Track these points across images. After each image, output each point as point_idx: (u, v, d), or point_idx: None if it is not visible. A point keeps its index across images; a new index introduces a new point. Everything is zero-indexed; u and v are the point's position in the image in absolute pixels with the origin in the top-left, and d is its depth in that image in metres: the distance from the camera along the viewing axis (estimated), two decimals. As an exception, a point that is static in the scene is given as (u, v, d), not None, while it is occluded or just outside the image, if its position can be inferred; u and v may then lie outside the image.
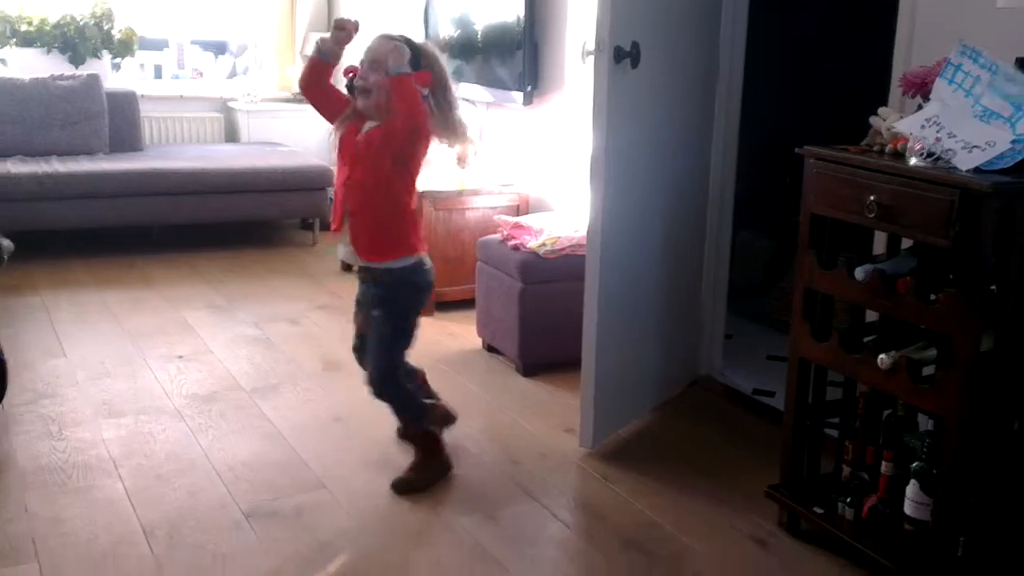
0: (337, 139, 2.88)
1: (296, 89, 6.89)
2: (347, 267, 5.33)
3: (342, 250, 3.03)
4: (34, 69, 6.05)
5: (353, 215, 2.84)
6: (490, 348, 4.18)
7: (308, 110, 7.07)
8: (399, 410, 2.99)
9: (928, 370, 2.30)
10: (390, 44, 2.76)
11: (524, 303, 3.86)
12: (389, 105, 2.72)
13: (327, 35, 2.85)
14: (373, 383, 2.91)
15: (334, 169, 6.04)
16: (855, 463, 2.56)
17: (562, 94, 4.51)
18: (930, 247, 2.31)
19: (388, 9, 5.99)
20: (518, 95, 4.65)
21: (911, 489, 2.35)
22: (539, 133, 4.72)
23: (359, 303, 3.02)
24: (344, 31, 2.83)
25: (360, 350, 3.05)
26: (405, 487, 2.91)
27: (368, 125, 2.82)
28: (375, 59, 2.77)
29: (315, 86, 2.92)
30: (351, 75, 2.83)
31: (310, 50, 6.90)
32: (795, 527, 2.72)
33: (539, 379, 3.88)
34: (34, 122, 5.76)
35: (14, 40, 6.13)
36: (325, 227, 6.18)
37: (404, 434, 3.10)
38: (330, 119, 2.94)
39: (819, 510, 2.61)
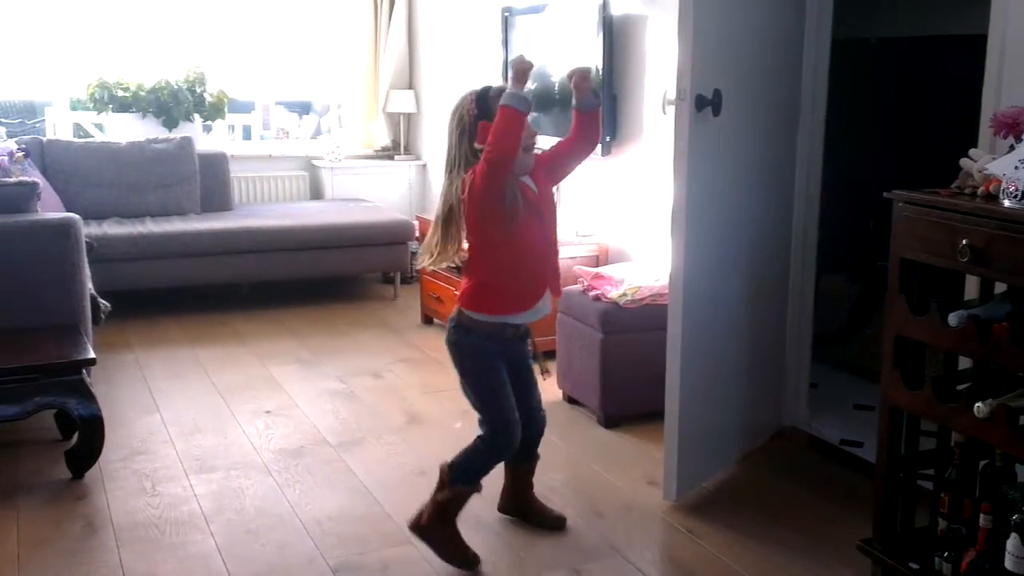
0: (514, 202, 2.68)
1: (379, 146, 7.07)
2: (429, 320, 5.39)
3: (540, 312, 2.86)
4: (130, 133, 6.30)
5: (555, 268, 2.86)
6: (571, 399, 4.17)
7: (389, 166, 7.25)
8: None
9: (1027, 419, 2.22)
10: None
11: (605, 354, 3.85)
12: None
13: (510, 85, 2.57)
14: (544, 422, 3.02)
15: (416, 222, 6.10)
16: (952, 516, 2.47)
17: (641, 144, 4.53)
18: (1025, 292, 2.24)
19: (467, 64, 6.10)
20: (597, 146, 4.67)
21: (1011, 543, 2.25)
22: (618, 183, 4.73)
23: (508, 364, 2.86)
24: (526, 75, 2.60)
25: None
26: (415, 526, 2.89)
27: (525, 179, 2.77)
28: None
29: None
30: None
31: (393, 108, 7.06)
32: (891, 583, 2.63)
33: (621, 430, 3.85)
34: (129, 185, 5.97)
35: (111, 106, 6.39)
36: (406, 280, 6.27)
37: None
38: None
39: (915, 566, 2.52)
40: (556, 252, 2.87)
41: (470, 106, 2.71)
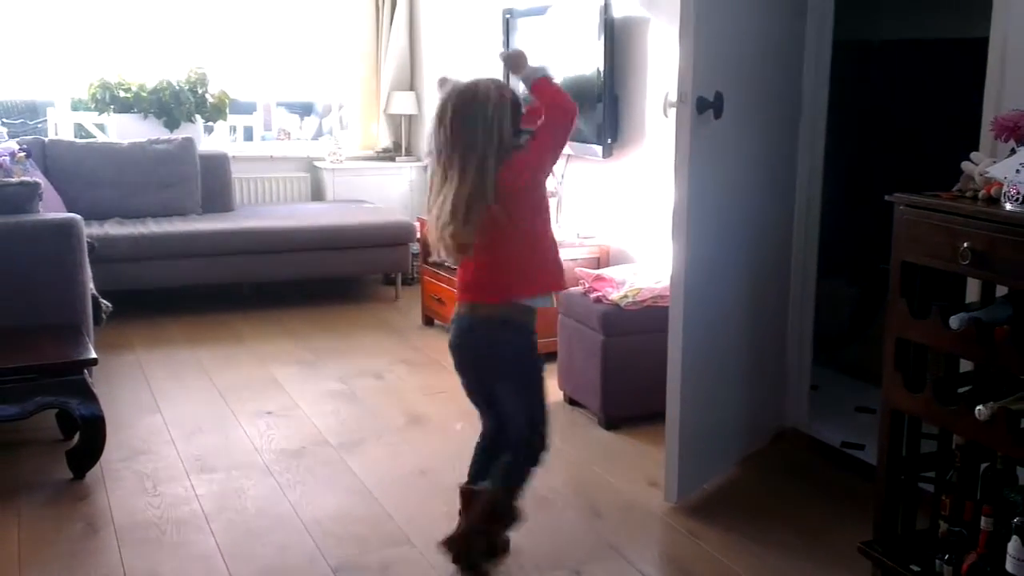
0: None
1: (380, 147, 7.07)
2: (430, 321, 5.40)
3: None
4: (131, 134, 6.30)
5: None
6: (571, 401, 4.17)
7: (391, 167, 7.25)
8: None
9: (1027, 422, 2.22)
10: None
11: (606, 355, 3.85)
12: None
13: (515, 71, 2.79)
14: None
15: (417, 224, 6.10)
16: (952, 519, 2.47)
17: (642, 146, 4.53)
18: (1026, 295, 2.25)
19: (469, 66, 6.11)
20: (598, 148, 4.68)
21: (1012, 545, 2.25)
22: (619, 185, 4.73)
23: None
24: (521, 59, 2.79)
25: None
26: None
27: None
28: None
29: None
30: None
31: (394, 109, 7.04)
32: (891, 585, 2.63)
33: (622, 432, 3.85)
34: (131, 185, 5.96)
35: (113, 106, 6.40)
36: (407, 282, 6.28)
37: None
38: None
39: (916, 568, 2.52)
40: None
41: (506, 93, 2.68)
